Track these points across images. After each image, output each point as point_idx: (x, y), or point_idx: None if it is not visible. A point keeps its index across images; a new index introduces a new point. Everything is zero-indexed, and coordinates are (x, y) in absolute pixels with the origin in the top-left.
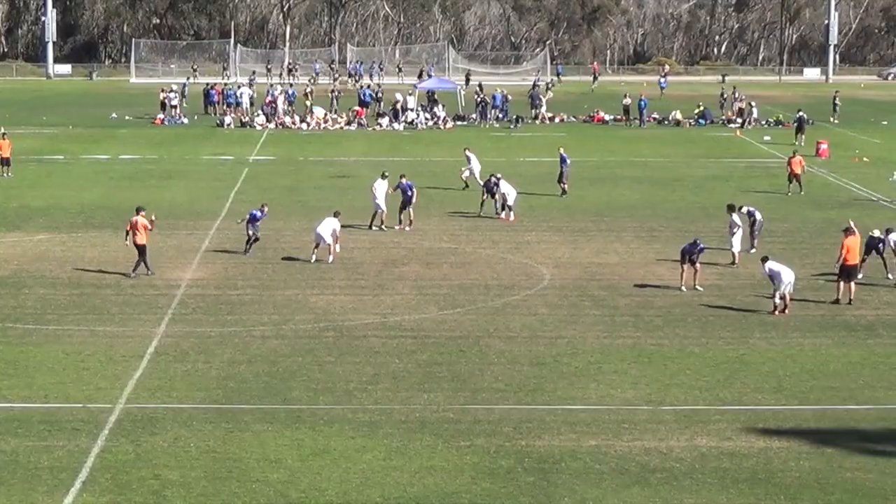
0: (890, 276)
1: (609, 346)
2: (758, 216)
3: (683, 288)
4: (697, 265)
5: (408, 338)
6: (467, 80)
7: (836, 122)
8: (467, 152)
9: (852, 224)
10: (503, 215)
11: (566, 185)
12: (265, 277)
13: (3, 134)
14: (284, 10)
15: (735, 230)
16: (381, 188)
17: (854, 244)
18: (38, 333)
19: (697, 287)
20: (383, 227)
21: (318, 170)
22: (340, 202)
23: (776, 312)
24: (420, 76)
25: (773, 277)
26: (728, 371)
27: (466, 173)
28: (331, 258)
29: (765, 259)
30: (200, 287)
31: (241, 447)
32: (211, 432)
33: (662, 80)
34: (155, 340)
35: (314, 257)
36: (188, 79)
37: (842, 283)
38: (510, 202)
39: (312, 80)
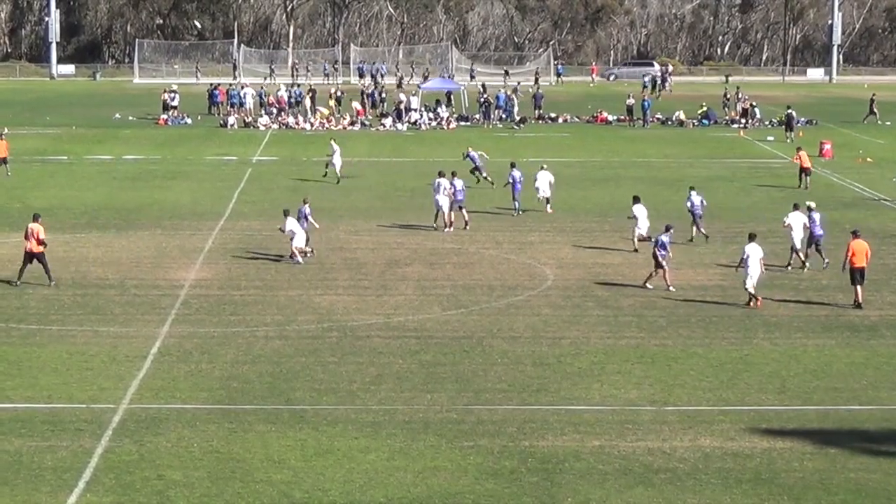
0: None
1: (612, 346)
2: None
3: (649, 285)
4: (664, 262)
5: (411, 338)
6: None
7: (879, 123)
8: (470, 151)
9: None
10: (549, 208)
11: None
12: (268, 278)
13: (2, 134)
14: (288, 10)
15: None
16: (441, 189)
17: (860, 247)
18: (41, 334)
19: (649, 286)
20: (445, 227)
21: (321, 170)
22: (344, 203)
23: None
24: (426, 78)
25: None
26: (731, 372)
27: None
28: (300, 258)
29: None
30: (204, 287)
31: (245, 447)
32: (214, 433)
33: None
34: (158, 341)
35: (294, 259)
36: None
37: (858, 287)
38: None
39: (328, 79)
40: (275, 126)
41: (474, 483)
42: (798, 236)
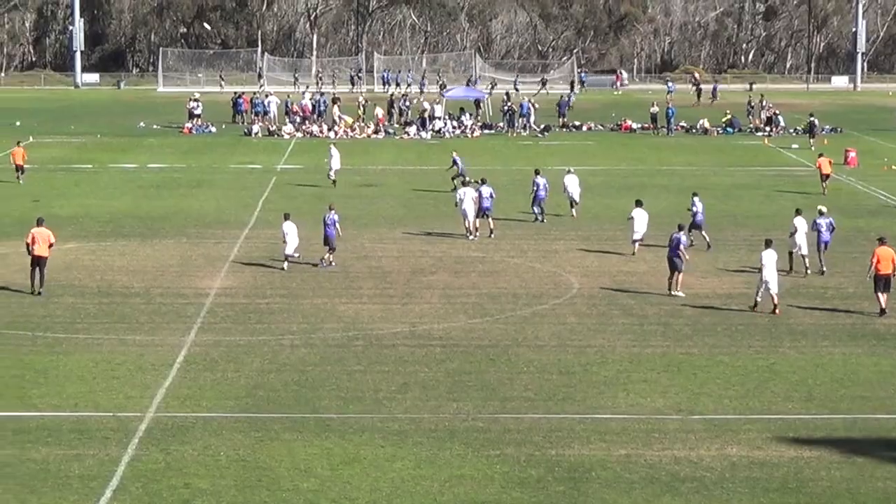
0: None
1: (638, 354)
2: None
3: (675, 293)
4: (681, 264)
5: (437, 346)
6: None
7: None
8: (455, 155)
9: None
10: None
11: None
12: (294, 286)
13: (19, 142)
14: (311, 19)
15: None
16: (468, 195)
17: (886, 254)
18: (67, 342)
19: (676, 293)
20: (473, 235)
21: (345, 178)
22: (368, 211)
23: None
24: (443, 87)
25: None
26: (758, 380)
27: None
28: (296, 255)
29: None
30: (229, 296)
31: (271, 456)
32: (241, 441)
33: (671, 84)
34: (184, 349)
35: (286, 266)
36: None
37: (881, 294)
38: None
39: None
40: (299, 134)
41: (501, 492)
42: (803, 241)
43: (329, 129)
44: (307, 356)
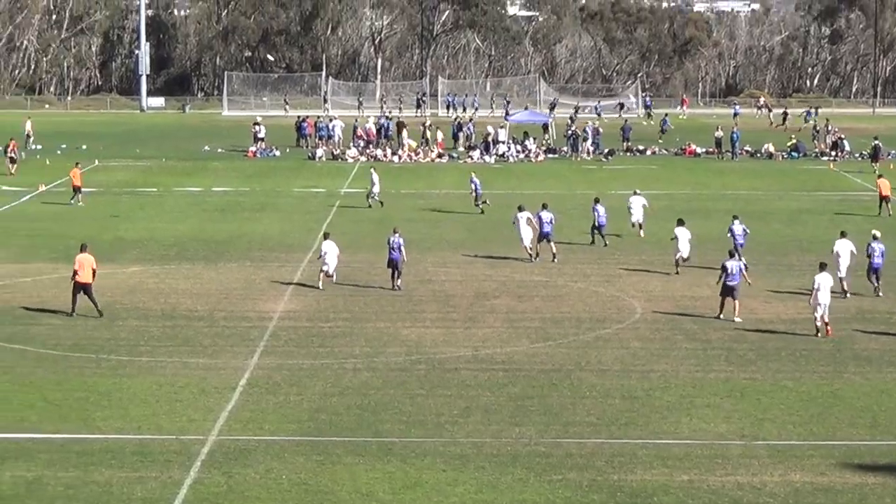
0: None
1: (702, 379)
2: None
3: (722, 316)
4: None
5: (499, 371)
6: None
7: None
8: (473, 177)
9: None
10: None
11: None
12: (357, 310)
13: (77, 163)
14: (376, 42)
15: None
16: (522, 220)
17: None
18: (131, 365)
19: (737, 318)
20: (532, 258)
21: (409, 202)
22: (431, 234)
23: (818, 335)
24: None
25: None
26: (822, 406)
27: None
28: (320, 284)
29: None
30: (292, 319)
31: (333, 480)
32: (303, 464)
33: (737, 108)
34: (247, 372)
35: (321, 283)
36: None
37: None
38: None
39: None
40: (363, 158)
41: None
42: (844, 264)
43: (393, 154)
44: (370, 380)
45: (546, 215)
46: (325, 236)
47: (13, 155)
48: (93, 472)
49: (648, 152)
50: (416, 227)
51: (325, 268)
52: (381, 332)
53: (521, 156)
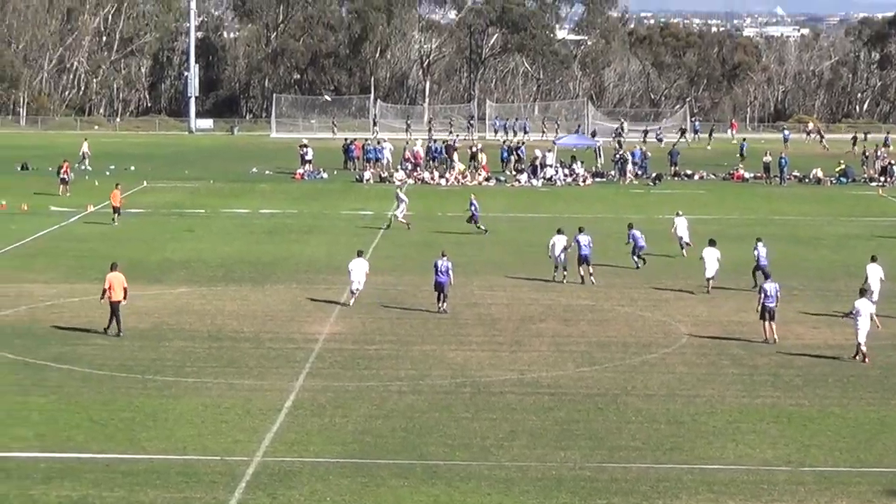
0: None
1: (748, 405)
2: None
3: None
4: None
5: (545, 395)
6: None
7: None
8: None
9: None
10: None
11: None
12: (402, 333)
13: (117, 184)
14: (424, 66)
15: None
16: (559, 244)
17: None
18: (177, 386)
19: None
20: (564, 280)
21: (455, 225)
22: (478, 258)
23: (855, 357)
24: (554, 133)
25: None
26: (869, 432)
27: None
28: (352, 301)
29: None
30: (338, 341)
31: (377, 502)
32: (347, 486)
33: (787, 133)
34: (292, 394)
35: (352, 300)
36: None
37: None
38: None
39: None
40: (410, 181)
41: None
42: (875, 289)
43: (441, 177)
44: (415, 403)
45: (584, 238)
46: (359, 254)
47: (65, 176)
48: (138, 493)
49: (696, 177)
50: (463, 249)
51: (353, 285)
52: (427, 354)
53: (569, 179)
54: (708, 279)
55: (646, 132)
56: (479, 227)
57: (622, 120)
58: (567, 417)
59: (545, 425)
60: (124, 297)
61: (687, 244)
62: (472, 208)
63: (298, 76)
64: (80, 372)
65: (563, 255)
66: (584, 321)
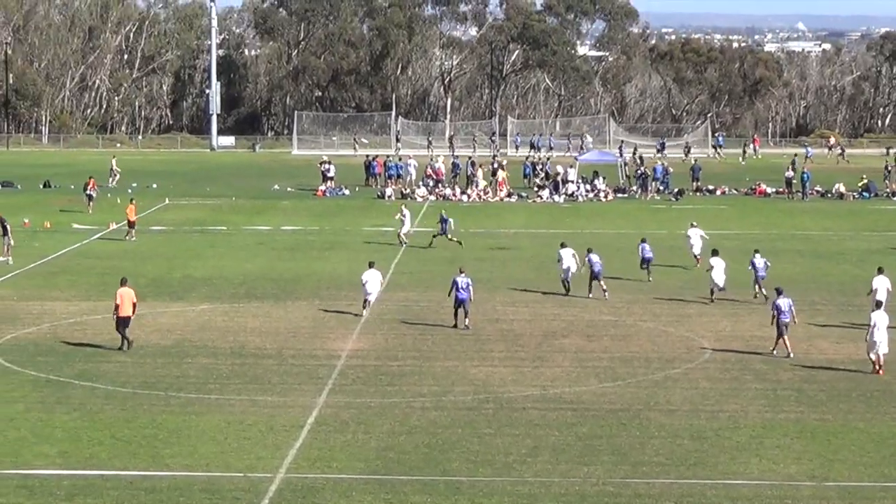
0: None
1: (771, 420)
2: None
3: (776, 352)
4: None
5: (568, 410)
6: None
7: None
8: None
9: None
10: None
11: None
12: (425, 349)
13: (132, 199)
14: (445, 82)
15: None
16: (565, 258)
17: None
18: (200, 402)
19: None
20: (567, 293)
21: (478, 241)
22: (500, 274)
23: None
24: (581, 148)
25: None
26: (894, 447)
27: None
28: (366, 311)
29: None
30: (361, 358)
31: None
32: (370, 503)
33: (809, 148)
34: (315, 411)
35: (366, 311)
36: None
37: None
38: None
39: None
40: (432, 197)
41: None
42: (883, 298)
43: (462, 193)
44: (438, 419)
45: (595, 258)
46: (370, 265)
47: (92, 193)
48: None
49: (718, 192)
50: (485, 266)
51: (367, 296)
52: (450, 371)
53: (591, 195)
54: (720, 289)
55: (662, 146)
56: (452, 240)
57: (635, 146)
58: (590, 433)
59: (568, 441)
60: (133, 312)
61: (696, 257)
62: (443, 224)
63: (320, 93)
64: (102, 389)
65: (570, 274)
66: (606, 336)
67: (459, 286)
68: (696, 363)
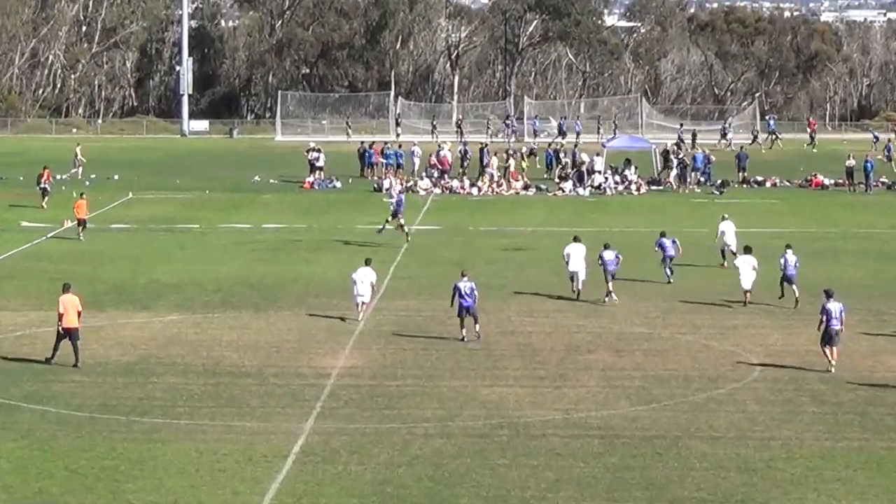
0: None
1: (831, 449)
2: None
3: (833, 368)
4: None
5: (594, 437)
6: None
7: None
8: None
9: None
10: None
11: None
12: (428, 366)
13: (82, 193)
14: (452, 58)
15: None
16: (575, 253)
17: None
18: (167, 428)
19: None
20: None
21: (489, 241)
22: (516, 279)
23: None
24: (610, 134)
25: None
26: None
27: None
28: (360, 316)
29: None
30: (354, 376)
31: None
32: None
33: (875, 133)
34: (301, 438)
35: (361, 316)
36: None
37: None
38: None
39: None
40: (436, 190)
41: None
42: None
43: (471, 185)
44: (443, 447)
45: (609, 255)
46: (366, 262)
47: (47, 186)
48: None
49: (768, 184)
50: (498, 269)
51: (358, 298)
52: (457, 391)
53: (620, 187)
54: (746, 291)
55: (694, 134)
56: (402, 228)
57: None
58: (620, 464)
59: (595, 473)
60: (78, 321)
61: (733, 253)
62: (394, 202)
63: (307, 70)
64: (54, 413)
65: (580, 281)
66: (639, 351)
67: (462, 292)
68: (744, 382)
